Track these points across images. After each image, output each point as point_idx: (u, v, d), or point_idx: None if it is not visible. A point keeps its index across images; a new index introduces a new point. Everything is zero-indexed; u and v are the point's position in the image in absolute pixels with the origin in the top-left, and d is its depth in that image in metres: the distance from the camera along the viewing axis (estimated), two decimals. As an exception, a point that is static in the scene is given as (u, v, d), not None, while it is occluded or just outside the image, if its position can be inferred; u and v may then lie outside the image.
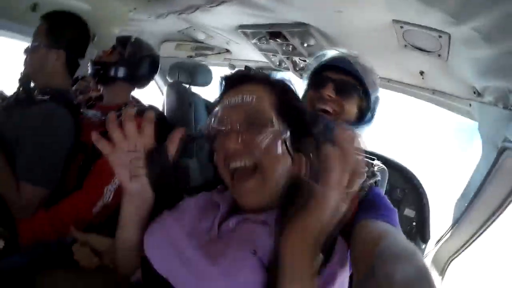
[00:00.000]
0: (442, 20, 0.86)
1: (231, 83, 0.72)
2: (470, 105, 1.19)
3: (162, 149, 0.61)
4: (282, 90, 0.70)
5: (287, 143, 0.64)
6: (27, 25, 1.25)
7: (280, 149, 0.63)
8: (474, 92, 1.10)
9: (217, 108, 0.69)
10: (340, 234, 0.67)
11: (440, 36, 1.00)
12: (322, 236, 0.49)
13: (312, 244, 0.48)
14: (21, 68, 1.23)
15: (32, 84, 1.22)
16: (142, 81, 1.42)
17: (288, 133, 0.65)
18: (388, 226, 0.64)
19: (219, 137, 0.67)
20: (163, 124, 1.42)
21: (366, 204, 0.72)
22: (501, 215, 1.05)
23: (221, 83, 0.74)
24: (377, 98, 1.01)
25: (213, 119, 0.67)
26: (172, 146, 0.64)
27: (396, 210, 0.73)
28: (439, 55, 1.11)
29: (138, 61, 1.35)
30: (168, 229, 0.65)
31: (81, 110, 1.28)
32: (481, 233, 1.14)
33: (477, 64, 0.89)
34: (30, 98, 1.17)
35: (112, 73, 1.31)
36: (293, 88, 0.74)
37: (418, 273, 0.44)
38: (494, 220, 1.08)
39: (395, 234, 0.59)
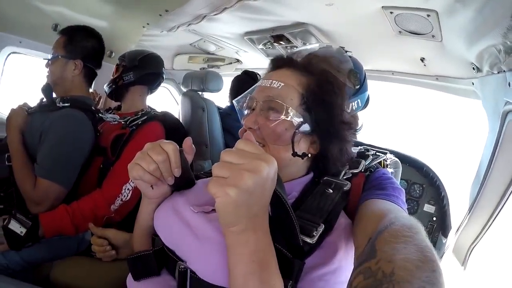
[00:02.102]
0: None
1: (273, 65, 0.75)
2: (472, 83, 1.18)
3: (181, 154, 0.65)
4: (319, 82, 0.68)
5: (299, 135, 0.66)
6: (49, 44, 1.36)
7: (286, 137, 0.65)
8: (474, 68, 1.10)
9: (253, 87, 0.73)
10: (347, 214, 0.69)
11: (428, 15, 1.03)
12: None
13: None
14: (43, 81, 1.34)
15: (54, 95, 1.33)
16: (151, 79, 1.51)
17: (307, 126, 0.66)
18: (392, 205, 0.63)
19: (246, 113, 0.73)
20: (179, 129, 1.51)
21: (371, 185, 0.73)
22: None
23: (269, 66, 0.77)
24: None
25: (247, 97, 0.73)
26: (189, 156, 0.67)
27: (403, 190, 0.72)
28: (433, 36, 1.14)
29: (140, 62, 1.46)
30: (173, 201, 0.70)
31: (100, 114, 1.37)
32: (499, 211, 1.09)
33: (465, 34, 0.91)
34: (53, 105, 1.28)
35: (122, 81, 1.44)
36: (332, 81, 0.70)
37: (420, 254, 0.42)
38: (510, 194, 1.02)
39: (397, 212, 0.59)
